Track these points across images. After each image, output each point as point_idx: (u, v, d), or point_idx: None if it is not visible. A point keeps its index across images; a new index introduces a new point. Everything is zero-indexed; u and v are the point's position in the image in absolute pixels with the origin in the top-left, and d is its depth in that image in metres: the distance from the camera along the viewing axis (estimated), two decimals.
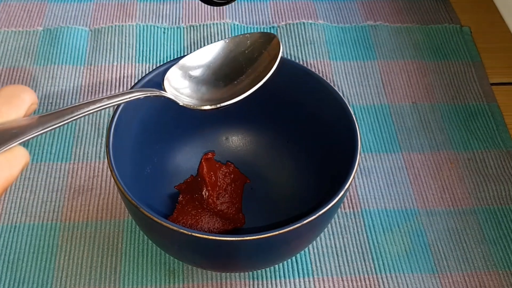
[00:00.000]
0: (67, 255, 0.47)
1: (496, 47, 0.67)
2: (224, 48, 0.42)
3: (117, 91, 0.59)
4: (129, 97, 0.34)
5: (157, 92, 0.37)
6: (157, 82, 0.43)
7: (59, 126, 0.30)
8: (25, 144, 0.33)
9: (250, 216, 0.49)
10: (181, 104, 0.38)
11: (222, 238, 0.37)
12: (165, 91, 0.39)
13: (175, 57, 0.62)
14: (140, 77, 0.52)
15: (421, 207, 0.52)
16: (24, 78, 0.60)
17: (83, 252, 0.48)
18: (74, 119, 0.31)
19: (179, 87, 0.40)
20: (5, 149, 0.28)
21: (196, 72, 0.41)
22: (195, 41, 0.65)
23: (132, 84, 0.55)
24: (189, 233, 0.37)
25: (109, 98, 0.33)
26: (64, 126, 0.56)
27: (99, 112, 0.57)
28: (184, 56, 0.44)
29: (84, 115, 0.31)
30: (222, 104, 0.38)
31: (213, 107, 0.38)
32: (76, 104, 0.31)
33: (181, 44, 0.64)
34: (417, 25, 0.68)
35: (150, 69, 0.60)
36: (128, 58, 0.62)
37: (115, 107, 0.43)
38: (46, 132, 0.29)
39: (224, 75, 0.42)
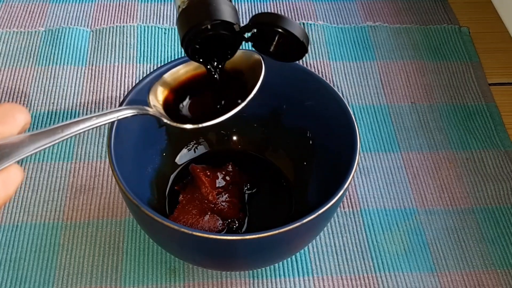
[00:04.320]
0: (69, 254, 0.48)
1: (495, 48, 0.67)
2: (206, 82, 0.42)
3: (117, 91, 0.60)
4: (117, 116, 0.36)
5: (143, 110, 0.38)
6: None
7: (50, 145, 0.30)
8: None
9: (250, 216, 0.50)
10: (165, 121, 0.39)
11: (223, 237, 0.38)
12: (150, 106, 0.39)
13: (176, 57, 0.62)
14: (141, 78, 0.52)
15: (420, 207, 0.52)
16: (25, 78, 0.61)
17: (84, 251, 0.48)
18: (64, 139, 0.31)
19: (163, 104, 0.40)
20: (4, 165, 0.28)
21: (179, 89, 0.42)
22: None
23: (133, 84, 0.55)
24: (190, 232, 0.37)
25: (97, 117, 0.34)
26: None
27: (99, 111, 0.58)
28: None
29: (74, 134, 0.32)
30: (203, 125, 0.39)
31: (194, 126, 0.39)
32: (66, 123, 0.32)
33: None
34: (416, 26, 0.68)
35: (151, 70, 0.61)
36: (129, 58, 0.63)
37: (117, 106, 0.43)
38: (38, 152, 0.30)
39: (207, 92, 0.42)
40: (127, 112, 0.36)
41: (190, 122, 0.39)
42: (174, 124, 0.39)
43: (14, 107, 0.30)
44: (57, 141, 0.31)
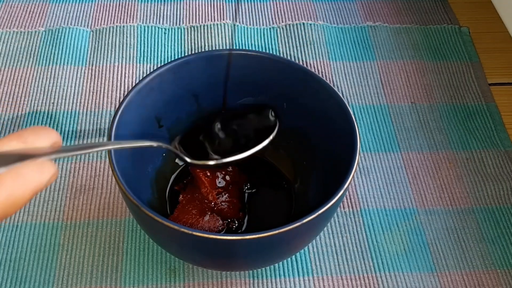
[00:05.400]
0: (69, 254, 0.48)
1: (495, 48, 0.67)
2: (227, 121, 0.46)
3: (117, 91, 0.60)
4: (138, 145, 0.41)
5: (171, 148, 0.44)
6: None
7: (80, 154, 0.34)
8: None
9: (250, 216, 0.50)
10: (189, 161, 0.44)
11: (223, 237, 0.38)
12: (176, 148, 0.44)
13: (176, 57, 0.62)
14: (141, 78, 0.52)
15: (420, 207, 0.52)
16: (26, 78, 0.61)
17: (84, 251, 0.48)
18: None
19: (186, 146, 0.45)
20: (38, 159, 0.29)
21: (201, 138, 0.46)
22: (196, 42, 0.65)
23: (133, 84, 0.56)
24: (190, 232, 0.37)
25: (130, 143, 0.40)
26: (65, 124, 0.56)
27: (100, 111, 0.58)
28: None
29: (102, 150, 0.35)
30: (223, 161, 0.44)
31: (217, 162, 0.44)
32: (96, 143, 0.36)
33: (182, 44, 0.65)
34: (416, 26, 0.68)
35: (151, 70, 0.61)
36: (129, 58, 0.63)
37: (117, 106, 0.44)
38: (72, 156, 0.33)
39: (226, 142, 0.46)
40: (150, 144, 0.41)
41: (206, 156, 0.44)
42: (200, 163, 0.44)
43: (47, 128, 0.32)
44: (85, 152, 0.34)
